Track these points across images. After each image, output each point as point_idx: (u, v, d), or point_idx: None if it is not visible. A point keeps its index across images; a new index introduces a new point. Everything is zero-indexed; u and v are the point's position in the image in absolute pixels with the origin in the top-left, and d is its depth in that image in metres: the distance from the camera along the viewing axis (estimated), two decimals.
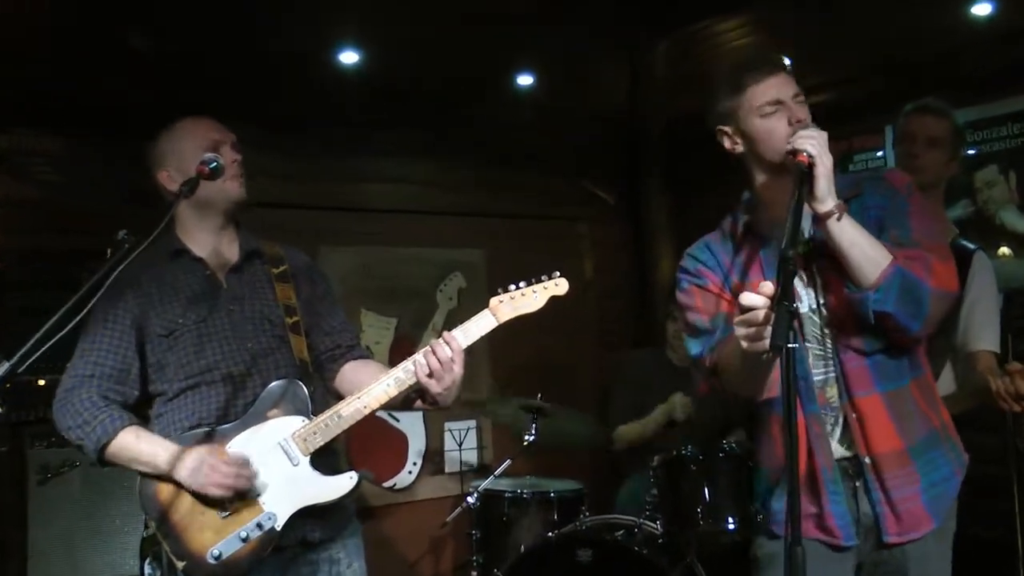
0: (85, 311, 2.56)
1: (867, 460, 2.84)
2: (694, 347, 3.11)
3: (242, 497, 3.03)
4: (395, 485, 6.54)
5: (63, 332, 2.50)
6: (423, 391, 3.10)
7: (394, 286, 6.57)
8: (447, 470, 6.65)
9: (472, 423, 6.62)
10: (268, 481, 3.06)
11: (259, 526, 3.02)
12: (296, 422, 3.11)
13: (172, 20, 5.02)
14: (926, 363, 3.01)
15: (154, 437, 3.09)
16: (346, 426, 3.10)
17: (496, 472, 5.15)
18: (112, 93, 5.34)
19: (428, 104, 6.48)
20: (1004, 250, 5.74)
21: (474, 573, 5.11)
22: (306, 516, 3.10)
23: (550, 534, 4.81)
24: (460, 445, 6.53)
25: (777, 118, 2.90)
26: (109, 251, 2.81)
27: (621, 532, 4.71)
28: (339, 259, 6.38)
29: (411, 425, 6.58)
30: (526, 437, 5.16)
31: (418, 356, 3.06)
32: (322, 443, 3.09)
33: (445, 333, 3.06)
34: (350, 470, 3.16)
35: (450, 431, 6.56)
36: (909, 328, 2.74)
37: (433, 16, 5.32)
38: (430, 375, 3.03)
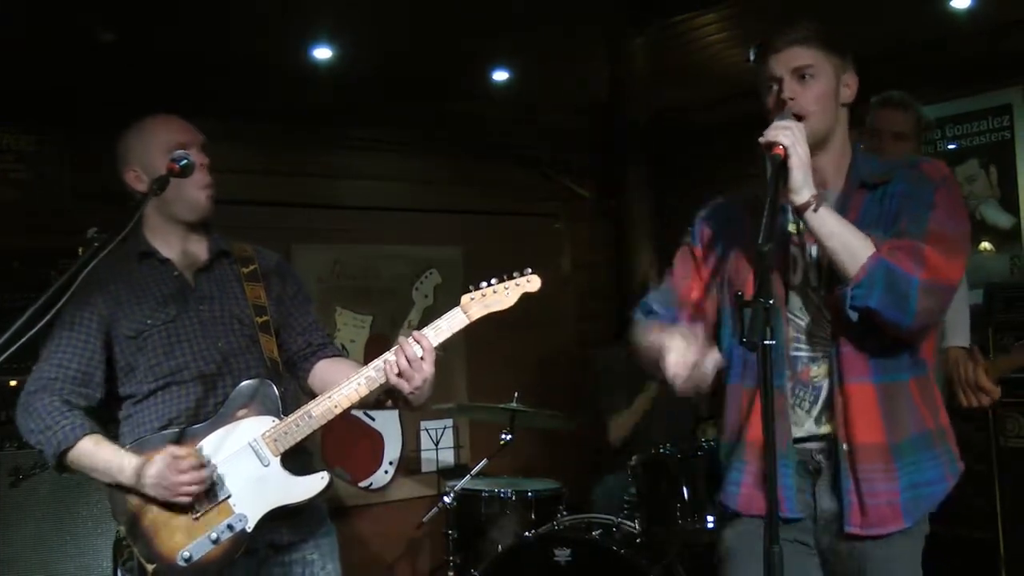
0: (54, 311, 2.54)
1: (845, 447, 2.77)
2: (644, 298, 3.13)
3: (212, 500, 3.00)
4: (371, 485, 6.51)
5: (32, 333, 2.46)
6: (394, 390, 3.06)
7: (369, 284, 6.53)
8: (423, 470, 6.63)
9: (449, 422, 6.59)
10: (239, 482, 3.02)
11: (230, 527, 2.99)
12: (266, 422, 3.07)
13: (146, 17, 4.96)
14: (930, 363, 2.90)
15: (114, 447, 3.04)
16: (317, 426, 3.06)
17: (473, 472, 5.11)
18: (85, 91, 5.31)
19: (403, 100, 6.45)
20: (985, 245, 5.74)
21: (451, 573, 5.07)
22: (276, 518, 3.07)
23: (527, 534, 4.79)
24: (437, 445, 6.51)
25: (772, 95, 2.82)
26: (80, 250, 2.78)
27: (599, 531, 4.69)
28: (313, 257, 6.34)
29: (387, 425, 6.54)
30: (503, 437, 5.14)
31: (388, 355, 3.03)
32: (293, 443, 3.05)
33: (415, 332, 3.02)
34: (322, 470, 3.12)
35: (426, 431, 6.54)
36: (899, 323, 2.66)
37: (408, 10, 5.27)
38: (399, 374, 2.99)
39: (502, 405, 5.24)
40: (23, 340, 2.44)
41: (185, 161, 2.97)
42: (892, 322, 2.66)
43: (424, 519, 5.28)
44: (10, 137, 5.43)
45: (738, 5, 5.49)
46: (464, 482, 5.07)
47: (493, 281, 3.07)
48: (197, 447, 3.03)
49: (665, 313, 3.03)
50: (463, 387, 6.65)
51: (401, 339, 3.00)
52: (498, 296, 3.05)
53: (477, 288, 3.07)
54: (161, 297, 3.16)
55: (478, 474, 5.12)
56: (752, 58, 2.92)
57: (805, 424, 2.85)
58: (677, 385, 2.65)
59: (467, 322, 3.06)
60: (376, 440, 6.52)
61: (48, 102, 5.33)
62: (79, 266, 2.62)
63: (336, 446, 6.29)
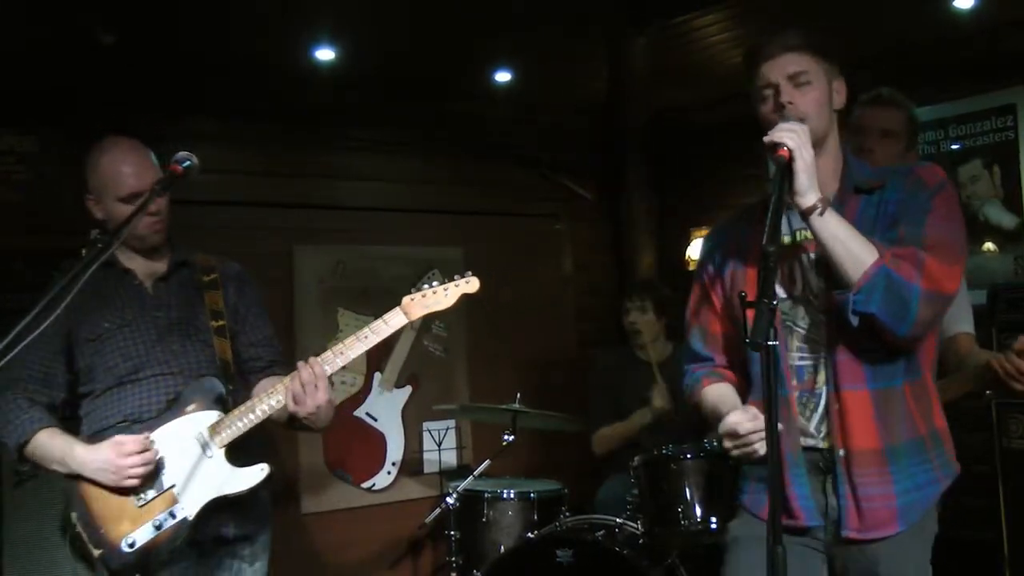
0: (53, 317, 2.64)
1: (841, 453, 2.79)
2: (686, 358, 3.21)
3: (158, 489, 3.16)
4: (373, 486, 6.50)
5: (32, 336, 2.58)
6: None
7: (370, 285, 6.51)
8: (426, 471, 6.61)
9: (451, 423, 6.58)
10: (183, 472, 3.19)
11: (172, 515, 3.15)
12: (212, 416, 3.24)
13: (146, 17, 4.96)
14: (926, 365, 2.90)
15: (67, 438, 3.22)
16: (259, 421, 3.23)
17: (475, 472, 5.11)
18: (85, 91, 5.31)
19: (403, 100, 6.45)
20: (988, 245, 5.73)
21: (453, 574, 5.06)
22: (220, 510, 3.22)
23: (530, 535, 4.79)
24: (439, 446, 6.49)
25: (767, 103, 2.82)
26: (84, 251, 2.85)
27: (601, 532, 4.67)
28: (314, 258, 6.34)
29: (389, 426, 6.53)
30: (505, 438, 5.15)
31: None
32: (236, 436, 3.21)
33: (311, 358, 3.19)
34: (263, 463, 3.25)
35: (429, 432, 6.52)
36: (896, 331, 2.66)
37: (408, 10, 5.27)
38: (294, 400, 3.16)
39: (504, 406, 5.24)
40: (23, 344, 2.55)
41: (188, 163, 3.08)
42: (890, 329, 2.66)
43: (426, 520, 5.29)
44: (11, 138, 5.44)
45: (739, 5, 5.49)
46: (466, 483, 5.07)
47: (434, 283, 3.28)
48: (144, 435, 3.17)
49: (707, 357, 3.14)
50: (465, 388, 6.62)
51: (300, 364, 3.17)
52: (437, 297, 3.27)
53: (418, 290, 3.27)
54: (120, 303, 3.35)
55: (480, 475, 5.12)
56: (743, 63, 2.92)
57: (810, 431, 2.86)
58: (727, 442, 2.75)
59: (406, 321, 3.29)
60: (378, 441, 6.51)
61: (48, 102, 5.33)
62: (80, 268, 2.71)
63: (338, 448, 6.28)
